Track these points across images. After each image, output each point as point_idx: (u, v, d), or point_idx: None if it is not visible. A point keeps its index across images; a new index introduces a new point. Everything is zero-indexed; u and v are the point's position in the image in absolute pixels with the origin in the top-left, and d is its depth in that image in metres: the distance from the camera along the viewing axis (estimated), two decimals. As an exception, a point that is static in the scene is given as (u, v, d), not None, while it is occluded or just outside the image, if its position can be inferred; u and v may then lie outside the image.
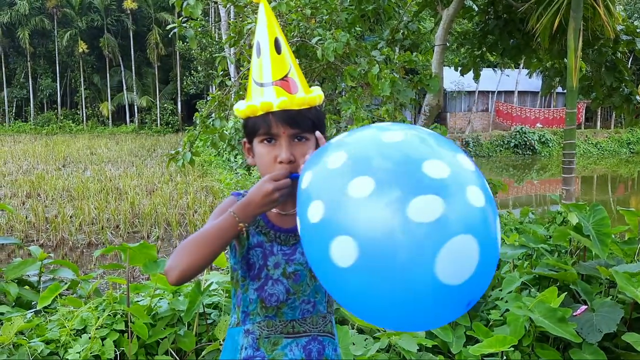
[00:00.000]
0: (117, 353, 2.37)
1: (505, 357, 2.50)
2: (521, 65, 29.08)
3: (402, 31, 6.96)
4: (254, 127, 1.31)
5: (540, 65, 7.34)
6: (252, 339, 1.38)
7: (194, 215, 10.80)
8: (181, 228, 10.14)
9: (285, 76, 1.29)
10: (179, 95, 38.12)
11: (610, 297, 2.68)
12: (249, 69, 5.38)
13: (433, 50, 6.91)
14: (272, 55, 1.29)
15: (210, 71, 27.42)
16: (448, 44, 7.17)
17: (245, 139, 1.39)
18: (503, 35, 6.55)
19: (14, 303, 3.03)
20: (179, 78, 37.60)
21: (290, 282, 1.38)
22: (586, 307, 2.58)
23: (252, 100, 1.30)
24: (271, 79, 1.29)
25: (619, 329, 2.49)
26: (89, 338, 2.37)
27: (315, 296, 1.41)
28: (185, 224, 10.34)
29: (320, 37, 5.99)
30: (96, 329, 2.37)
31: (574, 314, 2.54)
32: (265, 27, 1.31)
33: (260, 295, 1.38)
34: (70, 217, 10.55)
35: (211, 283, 2.78)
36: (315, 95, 1.32)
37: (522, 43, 6.58)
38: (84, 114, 38.44)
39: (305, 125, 1.30)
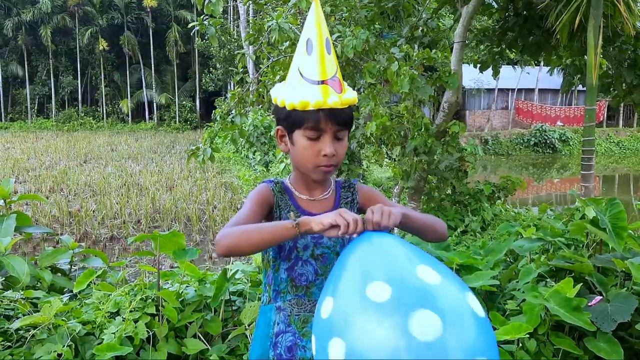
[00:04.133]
0: (150, 334, 2.50)
1: (520, 345, 2.57)
2: (542, 63, 28.93)
3: (421, 28, 7.02)
4: (300, 120, 1.39)
5: (559, 62, 7.35)
6: (284, 316, 1.49)
7: (213, 211, 10.97)
8: (201, 223, 10.31)
9: (334, 76, 1.39)
10: (197, 92, 38.50)
11: (626, 289, 2.73)
12: (268, 66, 5.46)
13: (451, 48, 6.96)
14: (322, 54, 1.38)
15: (230, 68, 27.64)
16: (467, 42, 7.21)
17: (280, 127, 1.47)
18: (522, 32, 6.57)
19: (47, 289, 3.18)
20: (197, 76, 37.95)
21: (319, 264, 1.48)
22: (601, 297, 2.64)
23: (300, 95, 1.37)
24: (323, 78, 1.37)
25: (634, 319, 2.54)
26: (123, 320, 2.50)
27: None
28: (205, 219, 10.51)
29: (339, 34, 6.07)
30: (129, 311, 2.50)
31: (589, 304, 2.60)
32: (317, 27, 1.39)
33: (290, 274, 1.49)
34: (93, 211, 10.80)
35: (236, 271, 2.89)
36: (355, 97, 1.44)
37: (542, 40, 6.59)
38: (104, 111, 39.02)
39: (347, 123, 1.43)
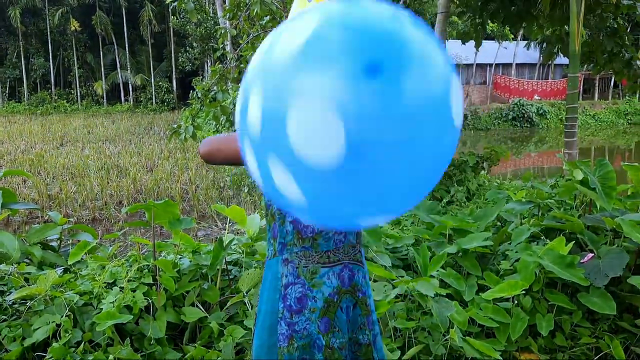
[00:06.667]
0: (149, 302, 2.48)
1: (516, 302, 2.62)
2: (519, 37, 29.21)
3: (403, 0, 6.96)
4: None
5: (541, 32, 7.38)
6: (292, 268, 1.49)
7: (196, 190, 10.88)
8: (184, 203, 10.23)
9: None
10: (173, 72, 37.86)
11: (616, 245, 2.80)
12: (248, 42, 5.35)
13: (433, 22, 6.94)
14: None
15: (210, 44, 27.14)
16: (449, 12, 7.18)
17: None
18: (504, 2, 6.57)
19: (38, 265, 3.14)
20: (173, 55, 37.30)
21: None
22: (593, 254, 2.70)
23: None
24: None
25: (624, 275, 2.61)
26: (120, 290, 2.48)
27: None
28: (189, 198, 10.43)
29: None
30: (127, 281, 2.48)
31: (582, 261, 2.65)
32: None
33: (296, 226, 1.49)
34: (73, 193, 10.62)
35: (232, 239, 2.88)
36: None
37: (524, 10, 6.61)
38: (78, 94, 38.19)
39: None
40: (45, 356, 2.24)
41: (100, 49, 37.80)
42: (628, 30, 7.54)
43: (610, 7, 6.07)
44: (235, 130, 1.29)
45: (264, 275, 1.58)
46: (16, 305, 2.54)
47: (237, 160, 1.30)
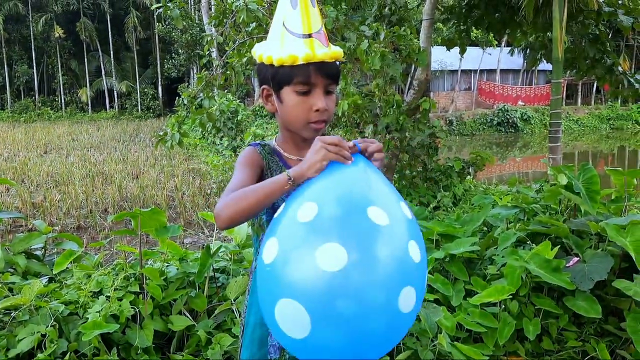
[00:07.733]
0: (135, 311, 2.46)
1: (503, 306, 2.64)
2: (503, 44, 29.53)
3: (388, 7, 7.02)
4: (289, 76, 1.33)
5: (524, 38, 7.47)
6: None
7: (182, 197, 10.82)
8: (171, 210, 10.16)
9: (320, 29, 1.34)
10: (159, 79, 37.70)
11: (600, 249, 2.83)
12: (234, 49, 5.36)
13: (418, 29, 6.99)
14: (307, 8, 1.32)
15: (196, 50, 27.09)
16: (434, 19, 7.24)
17: (266, 86, 1.42)
18: (488, 9, 6.65)
19: (22, 275, 3.09)
20: (158, 62, 37.15)
21: None
22: (578, 258, 2.73)
23: (287, 49, 1.32)
24: (309, 31, 1.32)
25: (609, 278, 2.64)
26: (107, 299, 2.45)
27: None
28: (175, 205, 10.36)
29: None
30: (113, 290, 2.45)
31: (567, 265, 2.68)
32: None
33: None
34: (58, 201, 10.51)
35: (220, 246, 2.87)
36: (342, 52, 1.40)
37: (507, 17, 6.69)
38: (63, 101, 37.86)
39: (336, 77, 1.38)
40: (30, 367, 2.21)
41: (85, 56, 37.54)
42: (609, 37, 7.66)
43: (592, 14, 6.16)
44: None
45: (251, 287, 1.55)
46: (0, 316, 2.50)
47: (256, 214, 1.28)
